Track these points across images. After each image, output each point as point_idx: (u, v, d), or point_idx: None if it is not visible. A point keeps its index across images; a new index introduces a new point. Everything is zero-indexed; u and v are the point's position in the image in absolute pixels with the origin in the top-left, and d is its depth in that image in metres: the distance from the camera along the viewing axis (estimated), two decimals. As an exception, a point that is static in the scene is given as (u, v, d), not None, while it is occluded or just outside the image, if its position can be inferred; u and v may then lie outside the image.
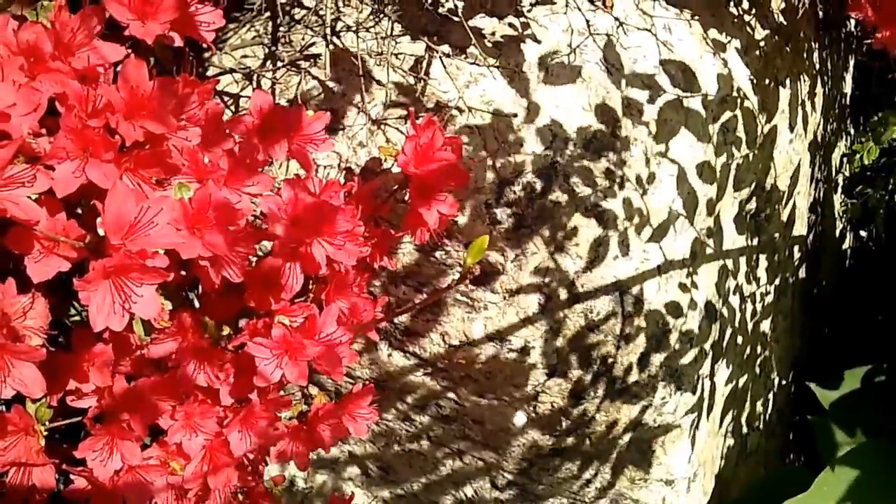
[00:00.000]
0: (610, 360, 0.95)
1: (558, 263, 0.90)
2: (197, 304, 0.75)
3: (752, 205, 1.12)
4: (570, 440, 0.99)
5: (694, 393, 1.04)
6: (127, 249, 0.51)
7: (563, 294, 0.91)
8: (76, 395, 0.68)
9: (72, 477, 0.68)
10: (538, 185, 0.88)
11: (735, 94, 1.02)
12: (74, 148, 0.54)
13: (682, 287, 0.99)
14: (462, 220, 0.88)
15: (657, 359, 0.98)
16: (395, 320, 0.93)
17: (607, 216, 0.91)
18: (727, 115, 1.01)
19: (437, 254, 0.90)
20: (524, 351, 0.93)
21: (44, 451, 0.65)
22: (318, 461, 1.06)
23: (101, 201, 0.53)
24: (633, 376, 0.97)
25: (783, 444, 1.50)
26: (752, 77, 1.04)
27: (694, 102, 0.97)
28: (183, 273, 0.64)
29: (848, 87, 1.48)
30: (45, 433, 0.66)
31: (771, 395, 1.35)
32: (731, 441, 1.22)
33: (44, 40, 0.56)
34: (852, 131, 1.56)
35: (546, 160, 0.88)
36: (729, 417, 1.20)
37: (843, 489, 1.02)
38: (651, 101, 0.93)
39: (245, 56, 0.94)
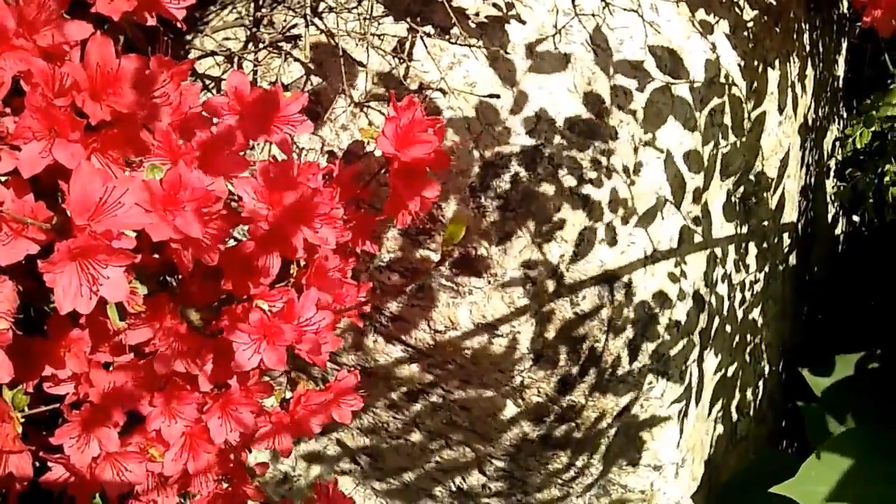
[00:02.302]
0: (597, 346, 0.94)
1: (544, 249, 0.89)
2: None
3: (742, 190, 1.11)
4: (557, 427, 0.99)
5: (682, 380, 1.03)
6: (92, 230, 0.50)
7: (549, 280, 0.90)
8: (53, 382, 0.67)
9: (49, 465, 0.67)
10: (523, 168, 0.87)
11: (722, 76, 1.00)
12: (40, 127, 0.53)
13: (671, 276, 0.98)
14: (446, 204, 0.87)
15: (644, 346, 0.97)
16: (380, 306, 0.92)
17: (593, 201, 0.90)
18: (714, 98, 1.00)
19: (422, 238, 0.89)
20: (510, 337, 0.92)
21: (20, 438, 0.64)
22: (305, 448, 1.05)
23: (67, 182, 0.52)
24: (621, 363, 0.97)
25: (774, 431, 1.49)
26: (740, 59, 1.03)
27: (681, 85, 0.95)
28: (156, 256, 0.63)
29: (840, 70, 1.46)
30: (23, 420, 0.65)
31: (761, 382, 1.34)
32: (720, 427, 1.22)
33: (7, 17, 0.54)
34: (845, 114, 1.54)
35: (531, 142, 0.87)
36: (718, 404, 1.19)
37: (831, 475, 1.02)
38: (638, 84, 0.92)
39: (226, 38, 0.93)
